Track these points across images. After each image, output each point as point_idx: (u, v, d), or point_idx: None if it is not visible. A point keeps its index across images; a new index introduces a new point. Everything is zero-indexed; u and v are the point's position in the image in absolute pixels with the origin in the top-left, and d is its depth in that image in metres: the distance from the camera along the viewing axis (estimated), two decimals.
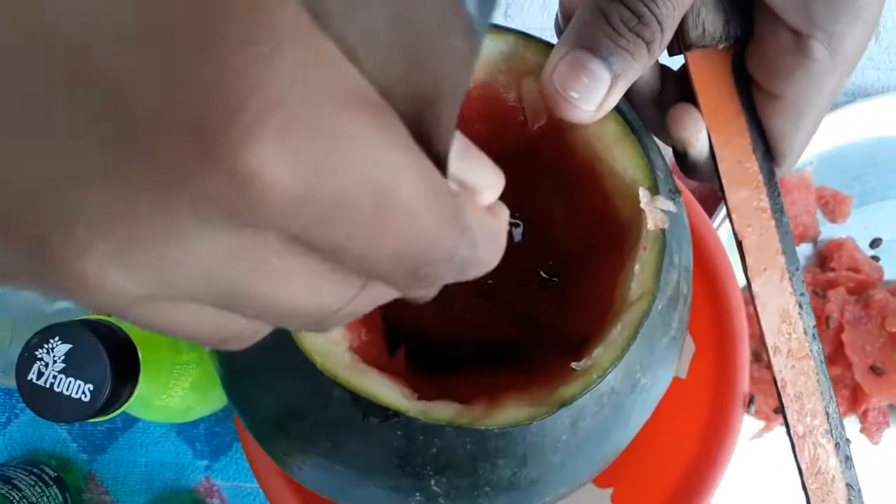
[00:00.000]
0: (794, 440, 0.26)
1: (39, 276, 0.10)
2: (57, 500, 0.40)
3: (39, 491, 0.39)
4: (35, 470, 0.41)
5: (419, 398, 0.21)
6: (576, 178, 0.25)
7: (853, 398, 0.43)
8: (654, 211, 0.22)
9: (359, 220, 0.10)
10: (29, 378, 0.26)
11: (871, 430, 0.44)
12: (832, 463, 0.26)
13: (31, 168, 0.09)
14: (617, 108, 0.23)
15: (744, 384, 0.36)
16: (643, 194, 0.22)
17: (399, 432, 0.20)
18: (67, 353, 0.26)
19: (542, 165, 0.26)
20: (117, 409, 0.28)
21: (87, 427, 0.44)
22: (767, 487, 0.43)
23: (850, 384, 0.43)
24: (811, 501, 0.26)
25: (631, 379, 0.22)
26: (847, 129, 0.47)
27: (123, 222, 0.09)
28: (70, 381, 0.26)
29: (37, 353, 0.26)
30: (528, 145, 0.25)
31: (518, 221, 0.29)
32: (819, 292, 0.44)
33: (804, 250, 0.47)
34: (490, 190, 0.14)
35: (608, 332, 0.22)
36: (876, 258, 0.47)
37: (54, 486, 0.41)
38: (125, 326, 0.28)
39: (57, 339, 0.26)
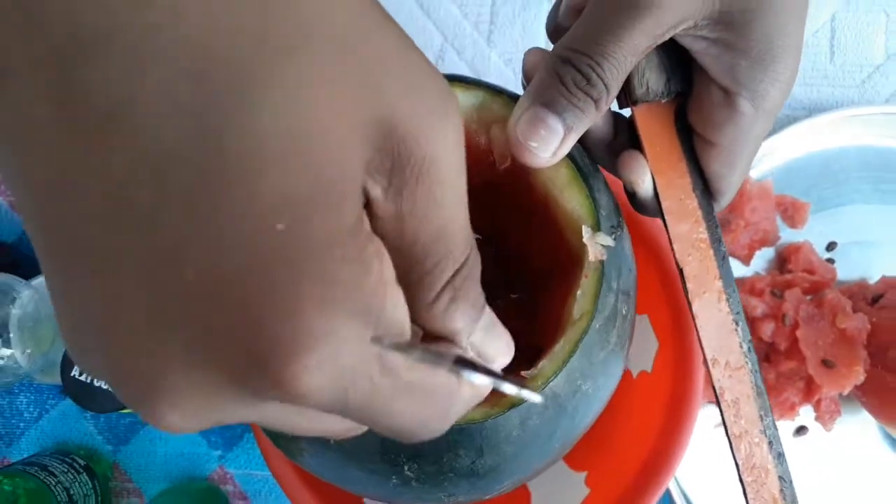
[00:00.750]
0: (732, 440, 0.30)
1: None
2: (87, 486, 0.45)
3: (72, 477, 0.44)
4: (67, 459, 0.45)
5: None
6: (535, 211, 0.29)
7: (807, 389, 0.47)
8: (595, 245, 0.26)
9: (375, 412, 0.15)
10: (72, 375, 0.31)
11: (824, 418, 0.48)
12: (766, 458, 0.30)
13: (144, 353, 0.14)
14: (570, 155, 0.27)
15: (700, 377, 0.41)
16: (585, 231, 0.26)
17: None
18: None
19: (508, 199, 0.30)
20: None
21: (112, 421, 0.49)
22: (728, 473, 0.48)
23: (805, 377, 0.47)
24: (747, 493, 0.30)
25: (572, 386, 0.26)
26: (804, 141, 0.51)
27: (198, 394, 0.14)
28: None
29: None
30: (495, 182, 0.29)
31: (489, 241, 0.33)
32: (777, 292, 0.49)
33: (766, 254, 0.52)
34: (502, 358, 0.19)
35: (554, 346, 0.26)
36: (831, 260, 0.51)
37: (84, 474, 0.45)
38: None
39: None
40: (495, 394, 0.25)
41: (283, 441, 0.28)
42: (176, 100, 0.12)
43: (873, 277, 0.51)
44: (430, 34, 0.51)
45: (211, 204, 0.13)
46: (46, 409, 0.49)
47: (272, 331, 0.13)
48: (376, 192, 0.15)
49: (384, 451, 0.25)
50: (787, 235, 0.51)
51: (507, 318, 0.33)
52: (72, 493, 0.43)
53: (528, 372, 0.25)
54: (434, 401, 0.16)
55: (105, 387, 0.30)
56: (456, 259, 0.16)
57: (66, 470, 0.44)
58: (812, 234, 0.51)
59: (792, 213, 0.51)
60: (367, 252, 0.14)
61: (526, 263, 0.33)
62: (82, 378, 0.30)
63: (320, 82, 0.13)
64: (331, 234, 0.13)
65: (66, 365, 0.31)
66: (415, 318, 0.16)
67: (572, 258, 0.28)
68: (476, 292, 0.17)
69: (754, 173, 0.51)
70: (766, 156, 0.51)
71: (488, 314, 0.18)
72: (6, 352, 0.34)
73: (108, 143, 0.13)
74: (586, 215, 0.27)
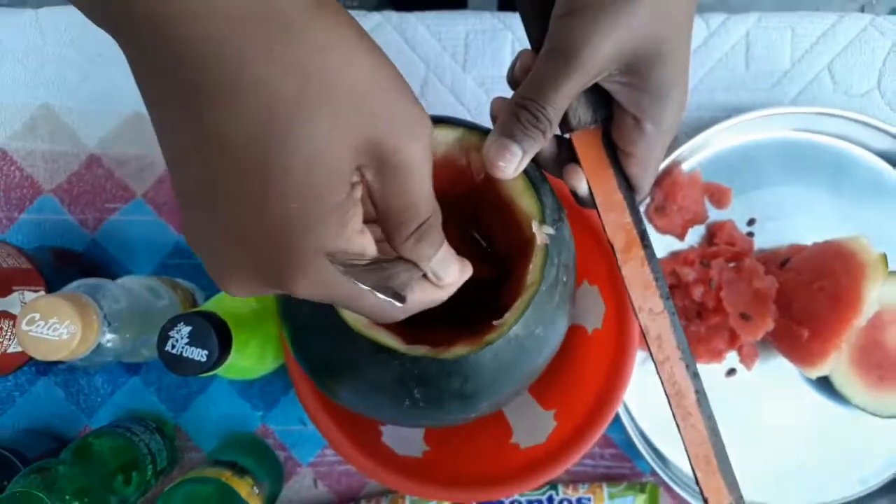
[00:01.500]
0: (657, 365, 0.40)
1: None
2: (160, 443, 0.56)
3: (148, 436, 0.55)
4: (142, 423, 0.56)
5: (406, 343, 0.36)
6: (502, 210, 0.40)
7: (731, 338, 0.59)
8: (541, 234, 0.37)
9: (349, 305, 0.28)
10: (166, 349, 0.42)
11: (746, 361, 0.60)
12: (683, 377, 0.41)
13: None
14: (525, 171, 0.38)
15: (636, 329, 0.52)
16: (535, 224, 0.37)
17: (395, 362, 0.35)
18: (189, 333, 0.42)
19: (484, 202, 0.41)
20: (219, 366, 0.43)
21: (172, 392, 0.60)
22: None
23: (728, 328, 0.59)
24: (671, 404, 0.41)
25: (528, 329, 0.37)
26: (726, 137, 0.62)
27: (245, 285, 0.27)
28: (192, 350, 0.42)
29: (170, 333, 0.42)
30: (473, 190, 0.40)
31: (485, 238, 0.44)
32: (705, 262, 0.60)
33: (697, 231, 0.63)
34: (450, 279, 0.31)
35: (515, 303, 0.37)
36: (751, 234, 0.62)
37: (157, 434, 0.56)
38: (221, 314, 0.44)
39: (181, 323, 0.42)
40: (476, 336, 0.36)
41: (325, 380, 0.39)
42: (259, 121, 0.23)
43: (786, 245, 0.62)
44: (416, 64, 0.61)
45: (263, 188, 0.24)
46: (118, 385, 0.60)
47: (286, 261, 0.26)
48: (369, 175, 0.26)
49: (399, 381, 0.36)
50: (715, 215, 0.62)
51: (486, 286, 0.44)
52: (150, 447, 0.54)
53: (497, 321, 0.37)
54: (371, 300, 0.28)
55: (190, 357, 0.42)
56: (420, 217, 0.28)
57: (143, 430, 0.55)
58: (735, 214, 0.62)
59: (718, 196, 0.62)
60: (347, 216, 0.26)
61: (499, 247, 0.44)
62: (174, 351, 0.42)
63: (334, 125, 0.24)
64: (325, 209, 0.25)
65: (161, 341, 0.42)
66: (396, 251, 0.29)
67: (528, 243, 0.39)
68: (435, 237, 0.29)
69: (686, 165, 0.62)
70: (695, 151, 0.62)
71: (444, 250, 0.30)
72: (112, 336, 0.45)
73: (216, 143, 0.24)
74: (536, 212, 0.38)
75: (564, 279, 0.39)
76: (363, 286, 0.27)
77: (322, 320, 0.36)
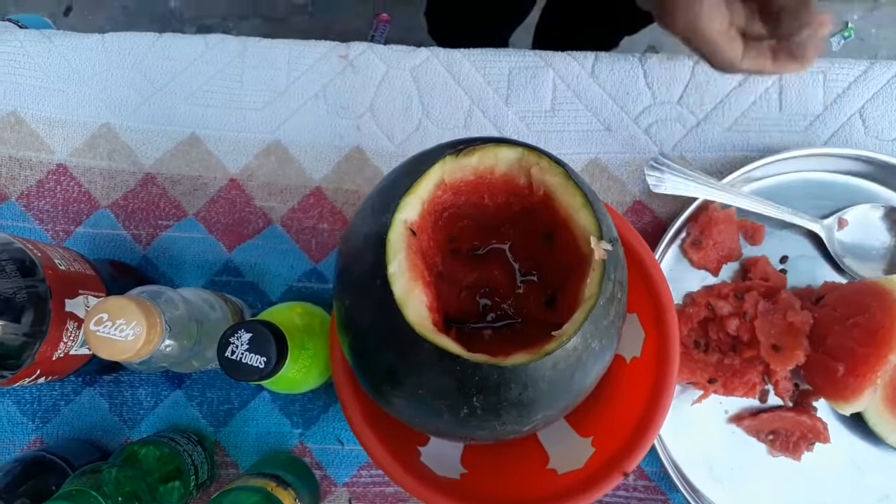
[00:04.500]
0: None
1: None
2: (202, 455, 0.57)
3: (191, 448, 0.56)
4: (184, 434, 0.57)
5: (468, 351, 0.37)
6: (559, 226, 0.42)
7: (766, 371, 0.60)
8: (599, 249, 0.38)
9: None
10: (226, 355, 0.43)
11: (783, 395, 0.60)
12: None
13: None
14: (582, 188, 0.39)
15: (676, 360, 0.53)
16: (593, 240, 0.39)
17: (457, 368, 0.36)
18: (249, 340, 0.43)
19: (538, 220, 0.43)
20: (275, 374, 0.45)
21: (214, 407, 0.61)
22: (704, 439, 0.60)
23: (763, 363, 0.60)
24: None
25: (585, 342, 0.38)
26: (759, 177, 0.64)
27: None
28: (252, 356, 0.43)
29: (230, 339, 0.43)
30: (530, 208, 0.42)
31: (534, 273, 0.46)
32: (739, 295, 0.61)
33: (732, 266, 0.64)
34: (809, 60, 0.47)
35: (574, 315, 0.38)
36: (784, 271, 0.64)
37: (199, 446, 0.57)
38: (278, 323, 0.45)
39: (242, 330, 0.43)
40: (535, 344, 0.38)
41: (385, 390, 0.40)
42: None
43: (818, 284, 0.63)
44: (461, 98, 0.64)
45: None
46: (161, 398, 0.61)
47: None
48: None
49: (460, 388, 0.37)
50: (748, 251, 0.64)
51: (543, 305, 0.46)
52: (194, 458, 0.55)
53: (557, 332, 0.38)
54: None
55: (249, 362, 0.43)
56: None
57: (186, 441, 0.56)
58: (768, 250, 0.64)
59: (752, 233, 0.64)
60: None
61: (553, 264, 0.46)
62: (233, 358, 0.43)
63: None
64: None
65: (221, 347, 0.43)
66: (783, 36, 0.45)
67: (583, 259, 0.40)
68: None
69: (720, 204, 0.64)
70: (731, 188, 0.64)
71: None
72: (170, 342, 0.46)
73: None
74: (594, 230, 0.39)
75: (619, 295, 0.40)
76: None
77: (385, 326, 0.38)
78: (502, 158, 0.40)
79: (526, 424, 0.40)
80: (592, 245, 0.39)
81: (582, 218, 0.40)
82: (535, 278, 0.46)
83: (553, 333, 0.38)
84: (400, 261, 0.37)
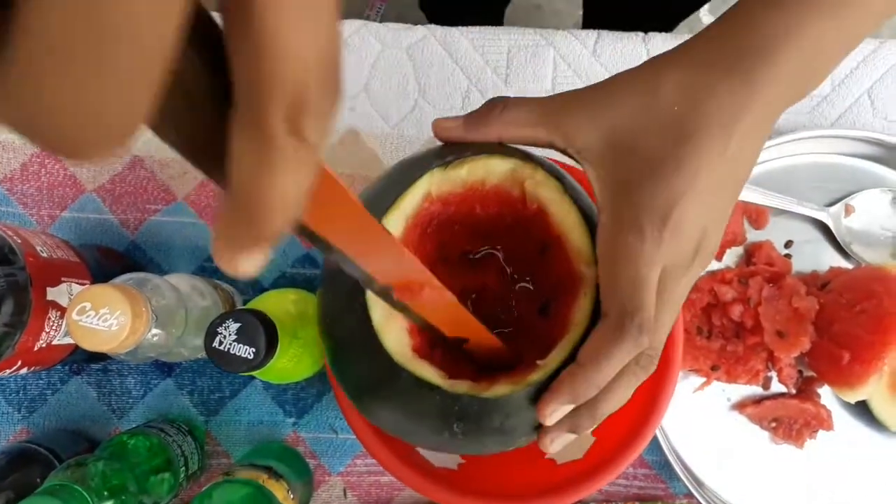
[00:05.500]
0: None
1: None
2: (192, 446, 0.55)
3: (181, 438, 0.55)
4: (174, 425, 0.56)
5: (449, 378, 0.35)
6: (553, 241, 0.39)
7: (770, 359, 0.59)
8: (592, 272, 0.36)
9: None
10: (213, 345, 0.42)
11: (786, 382, 0.59)
12: None
13: None
14: (578, 205, 0.37)
15: (678, 351, 0.51)
16: (583, 267, 0.36)
17: (437, 397, 0.34)
18: (237, 330, 0.42)
19: (532, 234, 0.41)
20: (264, 365, 0.43)
21: (204, 396, 0.60)
22: (706, 427, 0.59)
23: (767, 350, 0.58)
24: None
25: None
26: (764, 159, 0.63)
27: None
28: (240, 347, 0.42)
29: (218, 329, 0.42)
30: (523, 221, 0.39)
31: (528, 281, 0.44)
32: (743, 281, 0.60)
33: (736, 251, 0.63)
34: None
35: (561, 342, 0.36)
36: (789, 256, 0.62)
37: (189, 436, 0.56)
38: (268, 313, 0.44)
39: (230, 320, 0.42)
40: (518, 374, 0.36)
41: (365, 404, 0.38)
42: None
43: (823, 269, 0.62)
44: (458, 78, 0.62)
45: None
46: (150, 387, 0.60)
47: None
48: None
49: (440, 415, 0.34)
50: (752, 236, 0.63)
51: (533, 320, 0.44)
52: (184, 449, 0.54)
53: (542, 361, 0.35)
54: None
55: (238, 354, 0.41)
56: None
57: (176, 432, 0.55)
58: (773, 234, 0.62)
59: (756, 217, 0.62)
60: None
61: (540, 287, 0.44)
62: (220, 348, 0.41)
63: None
64: None
65: (209, 337, 0.42)
66: None
67: (576, 280, 0.38)
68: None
69: None
70: None
71: None
72: (157, 331, 0.45)
73: None
74: (587, 251, 0.37)
75: None
76: None
77: (364, 342, 0.36)
78: (493, 171, 0.38)
79: (511, 446, 0.38)
80: (583, 268, 0.36)
81: (575, 238, 0.37)
82: (528, 285, 0.44)
83: (538, 362, 0.36)
84: None
